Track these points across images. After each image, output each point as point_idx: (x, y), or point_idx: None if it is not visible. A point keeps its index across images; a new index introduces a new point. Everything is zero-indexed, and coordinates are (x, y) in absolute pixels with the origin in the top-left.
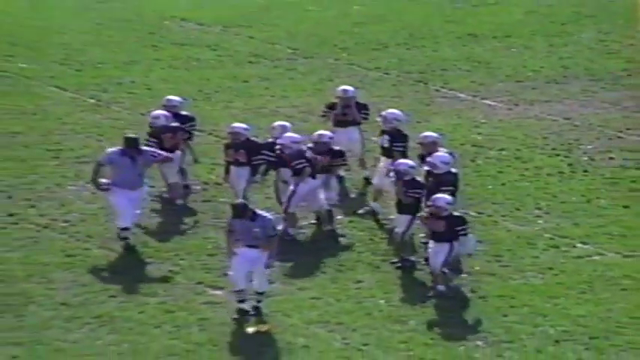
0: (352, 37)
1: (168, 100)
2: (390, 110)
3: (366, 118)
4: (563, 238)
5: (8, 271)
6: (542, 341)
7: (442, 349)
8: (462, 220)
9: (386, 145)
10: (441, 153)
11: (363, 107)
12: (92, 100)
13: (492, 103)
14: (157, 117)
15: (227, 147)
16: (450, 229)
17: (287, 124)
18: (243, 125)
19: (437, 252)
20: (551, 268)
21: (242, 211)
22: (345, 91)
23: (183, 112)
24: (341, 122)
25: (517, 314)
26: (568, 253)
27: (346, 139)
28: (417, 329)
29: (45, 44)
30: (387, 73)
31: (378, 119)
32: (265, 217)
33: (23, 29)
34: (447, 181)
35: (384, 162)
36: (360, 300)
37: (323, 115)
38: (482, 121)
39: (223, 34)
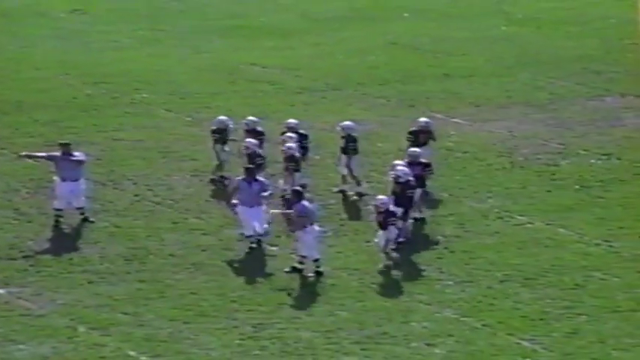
0: (366, 76)
1: (250, 119)
2: (346, 122)
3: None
4: (506, 212)
5: (135, 233)
6: (491, 281)
7: (425, 286)
8: (392, 214)
9: (344, 145)
10: (402, 167)
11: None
12: (189, 119)
13: (459, 121)
14: (225, 121)
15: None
16: (385, 220)
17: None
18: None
19: (380, 237)
20: (498, 232)
21: (298, 196)
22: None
23: (259, 128)
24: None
25: (475, 263)
26: (509, 223)
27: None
28: (409, 273)
29: (159, 81)
30: (388, 100)
31: (338, 129)
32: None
33: (146, 71)
34: (410, 185)
35: (343, 157)
36: (371, 254)
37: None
38: (452, 132)
39: (279, 74)
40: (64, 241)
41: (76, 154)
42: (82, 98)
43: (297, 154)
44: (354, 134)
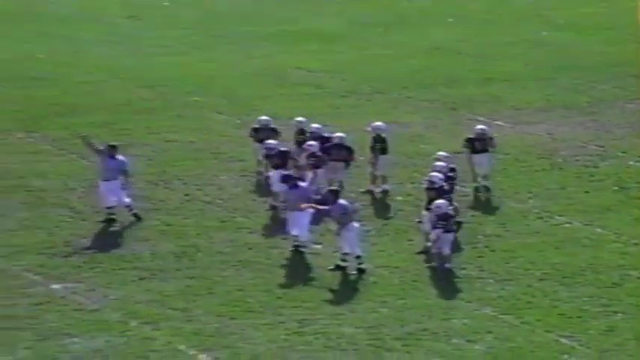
0: (410, 80)
1: (298, 119)
2: (376, 122)
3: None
4: (546, 212)
5: (185, 231)
6: (531, 279)
7: (465, 284)
8: (444, 217)
9: (372, 144)
10: (436, 173)
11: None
12: (239, 121)
13: (501, 124)
14: (265, 120)
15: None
16: (436, 223)
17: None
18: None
19: (433, 237)
20: (537, 232)
21: (335, 195)
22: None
23: (307, 128)
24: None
25: (515, 262)
26: (548, 222)
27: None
28: (450, 271)
29: (211, 85)
30: (432, 103)
31: (368, 129)
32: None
33: (198, 76)
34: (445, 190)
35: (370, 155)
36: (412, 253)
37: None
38: (495, 135)
39: (325, 77)
40: (117, 238)
41: (119, 157)
42: (136, 101)
43: (318, 152)
44: (383, 134)
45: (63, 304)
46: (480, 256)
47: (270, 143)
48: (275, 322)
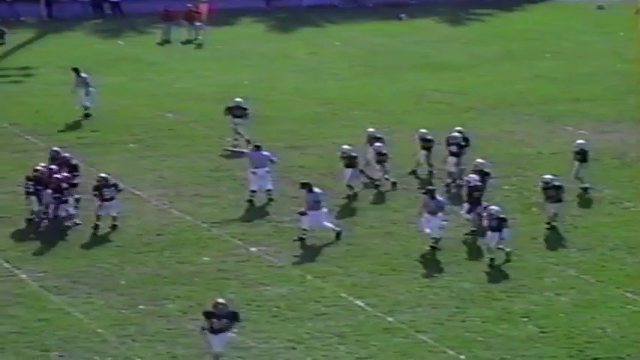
0: (516, 99)
1: (421, 131)
2: (453, 133)
3: None
4: (617, 199)
5: (346, 210)
6: (604, 249)
7: (554, 252)
8: (504, 219)
9: (454, 150)
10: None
11: None
12: (387, 129)
13: (584, 132)
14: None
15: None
16: (499, 224)
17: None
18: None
19: (491, 237)
20: (610, 214)
21: (431, 193)
22: None
23: (428, 137)
24: None
25: (592, 235)
26: (619, 206)
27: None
28: (545, 242)
29: (367, 103)
30: (532, 116)
31: (450, 136)
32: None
33: (358, 96)
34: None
35: (450, 158)
36: (515, 228)
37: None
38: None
39: (453, 97)
40: (294, 214)
41: (264, 152)
42: (313, 114)
43: (384, 151)
44: (462, 143)
45: (258, 262)
46: (566, 231)
47: (344, 148)
48: (411, 278)
